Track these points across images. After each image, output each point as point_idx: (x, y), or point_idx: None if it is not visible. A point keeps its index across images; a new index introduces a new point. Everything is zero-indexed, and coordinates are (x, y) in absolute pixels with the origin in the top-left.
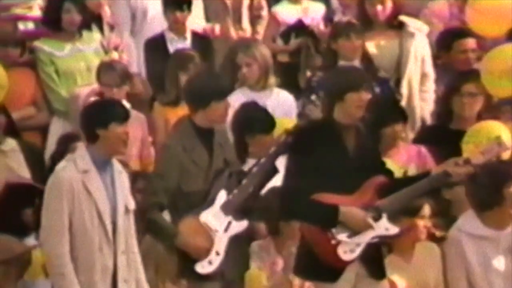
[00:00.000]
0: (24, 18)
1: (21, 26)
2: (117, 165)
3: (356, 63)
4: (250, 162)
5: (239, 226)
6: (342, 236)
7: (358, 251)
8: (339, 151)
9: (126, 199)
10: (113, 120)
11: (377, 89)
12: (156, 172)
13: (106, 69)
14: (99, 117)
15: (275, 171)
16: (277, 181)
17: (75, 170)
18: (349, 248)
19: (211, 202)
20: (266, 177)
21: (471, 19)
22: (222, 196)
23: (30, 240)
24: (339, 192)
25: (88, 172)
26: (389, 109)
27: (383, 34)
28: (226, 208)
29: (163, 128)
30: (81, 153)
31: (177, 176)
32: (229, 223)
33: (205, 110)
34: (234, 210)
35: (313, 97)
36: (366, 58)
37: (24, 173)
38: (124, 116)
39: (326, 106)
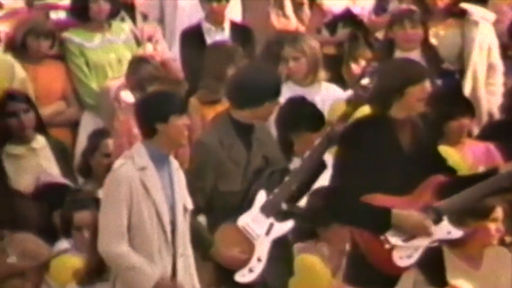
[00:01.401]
0: (55, 7)
1: (52, 15)
2: (174, 162)
3: (416, 53)
4: (296, 162)
5: (283, 228)
6: (397, 240)
7: (415, 256)
8: (393, 148)
9: (184, 198)
10: (173, 112)
11: (440, 82)
12: (191, 171)
13: (140, 63)
14: (158, 111)
15: (320, 167)
16: (324, 180)
17: (132, 167)
18: (405, 253)
19: (249, 204)
20: (310, 174)
21: None
22: (261, 197)
23: (61, 245)
24: (393, 193)
25: (146, 169)
26: (454, 102)
27: (442, 23)
28: (267, 210)
29: (199, 125)
30: (138, 149)
31: (214, 175)
32: (271, 225)
33: (254, 109)
34: (276, 211)
35: (365, 81)
36: (428, 48)
37: (54, 171)
38: (182, 107)
39: (381, 101)
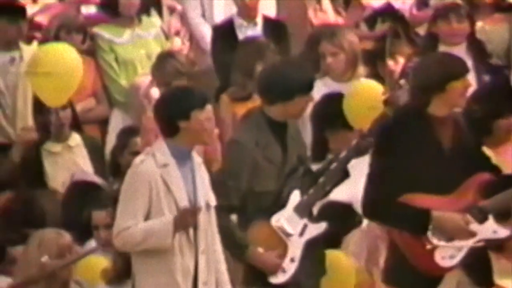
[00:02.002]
0: (86, 2)
1: (83, 10)
2: (197, 157)
3: (462, 49)
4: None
5: (317, 229)
6: (439, 240)
7: (459, 256)
8: (432, 146)
9: (207, 194)
10: (194, 107)
11: (488, 78)
12: (225, 171)
13: (168, 59)
14: (178, 108)
15: (343, 175)
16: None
17: (154, 164)
18: (448, 253)
19: (283, 204)
20: (345, 174)
21: None
22: (295, 197)
23: (91, 244)
24: (433, 192)
25: (167, 166)
26: (503, 99)
27: (489, 18)
28: (301, 210)
29: (230, 122)
30: (160, 146)
31: (249, 175)
32: (305, 226)
33: (285, 104)
34: (310, 211)
35: (402, 81)
36: (475, 43)
37: (88, 168)
38: (204, 100)
39: (420, 98)
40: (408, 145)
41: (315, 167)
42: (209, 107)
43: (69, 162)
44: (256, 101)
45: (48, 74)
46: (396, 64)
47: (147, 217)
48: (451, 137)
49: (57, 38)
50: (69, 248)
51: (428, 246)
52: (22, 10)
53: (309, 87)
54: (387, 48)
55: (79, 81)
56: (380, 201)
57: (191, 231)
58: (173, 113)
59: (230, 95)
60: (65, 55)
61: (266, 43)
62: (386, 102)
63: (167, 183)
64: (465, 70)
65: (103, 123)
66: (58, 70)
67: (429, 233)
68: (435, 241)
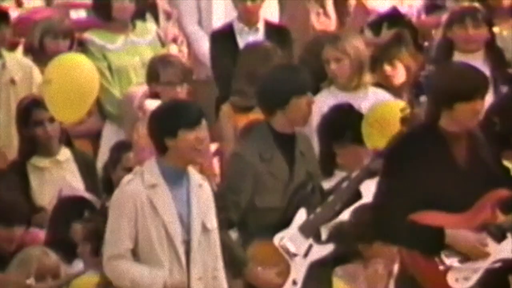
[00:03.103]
0: (76, 6)
1: (73, 14)
2: (195, 178)
3: (479, 57)
4: (338, 175)
5: (322, 250)
6: (453, 261)
7: (474, 278)
8: (446, 162)
9: (205, 216)
10: (182, 125)
11: (505, 89)
12: (226, 184)
13: (164, 65)
14: (165, 125)
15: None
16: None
17: (141, 184)
18: (462, 275)
19: (288, 222)
20: (357, 195)
21: None
22: (301, 215)
23: (80, 263)
24: (446, 210)
25: (156, 186)
26: None
27: (506, 23)
28: (306, 229)
29: (231, 135)
30: (150, 165)
31: (251, 190)
32: (310, 246)
33: (284, 110)
34: (316, 232)
35: (423, 98)
36: (493, 51)
37: (78, 185)
38: (195, 119)
39: (431, 111)
40: (419, 161)
41: (325, 184)
42: (202, 126)
43: (58, 178)
44: (258, 112)
45: (62, 87)
46: (394, 70)
47: (135, 240)
48: (466, 152)
49: (41, 44)
50: (55, 268)
51: (441, 267)
52: (4, 14)
53: (304, 87)
54: (385, 52)
55: (95, 95)
56: (391, 219)
57: (182, 256)
58: (160, 130)
59: (232, 105)
60: (82, 67)
61: (273, 48)
62: (403, 121)
63: (154, 204)
64: (476, 90)
65: (95, 137)
66: (74, 83)
67: (442, 253)
68: (448, 261)
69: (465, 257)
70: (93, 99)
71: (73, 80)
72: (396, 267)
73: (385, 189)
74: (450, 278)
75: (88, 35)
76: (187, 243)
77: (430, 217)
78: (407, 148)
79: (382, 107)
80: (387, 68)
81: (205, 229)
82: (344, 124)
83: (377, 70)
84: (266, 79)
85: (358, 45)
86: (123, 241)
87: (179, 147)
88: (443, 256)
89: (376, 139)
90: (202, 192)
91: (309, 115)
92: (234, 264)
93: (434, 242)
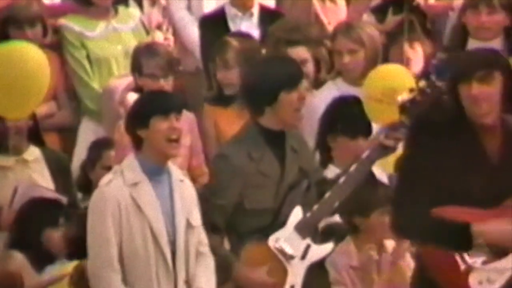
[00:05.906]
0: None
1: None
2: (176, 173)
3: (496, 44)
4: (332, 169)
5: (321, 251)
6: (476, 261)
7: (500, 281)
8: (475, 155)
9: (189, 213)
10: (153, 113)
11: None
12: (210, 187)
13: (148, 55)
14: (137, 115)
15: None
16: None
17: (122, 183)
18: (486, 277)
19: (283, 222)
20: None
21: None
22: (297, 214)
23: (54, 269)
24: (474, 205)
25: (138, 184)
26: None
27: None
28: (303, 229)
29: (212, 132)
30: (130, 163)
31: (238, 192)
32: (308, 247)
33: (273, 106)
34: (313, 231)
35: (422, 83)
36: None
37: (48, 185)
38: (167, 106)
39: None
40: (445, 152)
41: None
42: (176, 116)
43: (24, 178)
44: (237, 108)
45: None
46: (415, 52)
47: (119, 243)
48: (500, 145)
49: (5, 34)
50: (20, 273)
51: (463, 267)
52: None
53: (294, 80)
54: (405, 34)
55: (45, 89)
56: (413, 215)
57: (169, 256)
58: (133, 121)
59: (207, 97)
60: (26, 56)
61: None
62: (402, 108)
63: (138, 203)
64: (474, 72)
65: (65, 131)
66: (17, 76)
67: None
68: (470, 261)
69: (491, 257)
70: (43, 93)
71: (15, 72)
72: (403, 261)
73: (406, 182)
74: (473, 280)
75: (64, 21)
76: (173, 244)
77: (452, 212)
78: (432, 138)
79: (390, 76)
80: (407, 49)
81: (189, 225)
82: (337, 115)
83: (394, 52)
84: (251, 74)
85: (373, 34)
86: (109, 247)
87: (152, 138)
88: (465, 255)
89: (385, 112)
90: (184, 188)
91: (300, 112)
92: (220, 267)
93: (457, 239)
